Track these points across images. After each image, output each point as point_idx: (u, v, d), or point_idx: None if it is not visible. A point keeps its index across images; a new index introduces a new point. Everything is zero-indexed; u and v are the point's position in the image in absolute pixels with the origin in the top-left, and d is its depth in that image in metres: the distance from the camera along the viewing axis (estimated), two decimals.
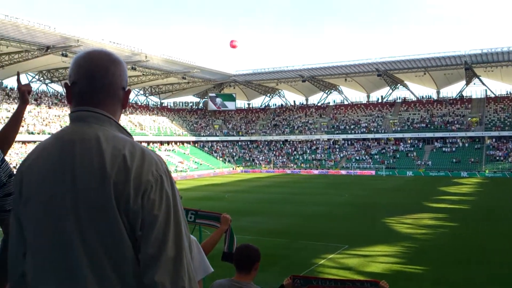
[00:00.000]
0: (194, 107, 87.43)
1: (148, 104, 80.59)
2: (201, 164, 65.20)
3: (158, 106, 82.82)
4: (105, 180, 1.29)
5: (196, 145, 74.88)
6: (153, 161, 1.35)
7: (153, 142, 65.48)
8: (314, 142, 72.99)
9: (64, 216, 1.32)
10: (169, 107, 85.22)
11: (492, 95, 69.83)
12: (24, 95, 2.52)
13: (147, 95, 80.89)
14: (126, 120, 64.46)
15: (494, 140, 62.00)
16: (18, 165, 1.49)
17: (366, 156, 65.87)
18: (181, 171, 58.20)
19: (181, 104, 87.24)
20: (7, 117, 50.13)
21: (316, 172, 64.17)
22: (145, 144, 61.60)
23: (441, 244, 18.60)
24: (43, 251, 1.35)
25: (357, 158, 65.97)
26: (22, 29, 43.03)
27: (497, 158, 58.46)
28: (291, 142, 74.82)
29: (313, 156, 69.65)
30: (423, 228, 22.03)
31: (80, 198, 1.31)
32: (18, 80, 2.64)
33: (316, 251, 17.29)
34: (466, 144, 63.03)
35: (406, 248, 17.98)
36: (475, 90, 71.32)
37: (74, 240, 1.30)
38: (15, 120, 2.53)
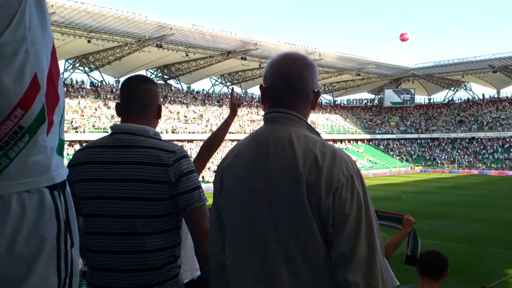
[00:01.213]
0: (368, 104, 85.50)
1: (321, 102, 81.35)
2: (376, 163, 63.46)
3: (331, 104, 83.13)
4: (298, 178, 1.32)
5: (371, 143, 73.05)
6: (344, 160, 1.36)
7: (326, 140, 64.98)
8: (507, 139, 64.66)
9: (259, 213, 1.37)
10: (342, 104, 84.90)
11: None
12: (234, 107, 2.87)
13: (320, 92, 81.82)
14: None
15: None
16: (218, 164, 1.58)
17: None
18: None
19: (354, 101, 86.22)
20: (194, 118, 56.04)
21: (510, 173, 56.87)
22: None
23: None
24: (240, 244, 1.42)
25: None
26: (207, 36, 47.26)
27: None
28: (479, 139, 67.66)
29: (505, 155, 61.84)
30: None
31: (274, 196, 1.36)
32: (232, 94, 2.99)
33: (509, 261, 15.31)
34: None
35: None
36: None
37: (269, 236, 1.35)
38: (223, 129, 2.86)
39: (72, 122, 43.58)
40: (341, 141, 68.42)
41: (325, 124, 70.50)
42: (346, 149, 65.71)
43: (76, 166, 1.76)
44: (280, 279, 1.31)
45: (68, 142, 39.58)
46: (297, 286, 1.31)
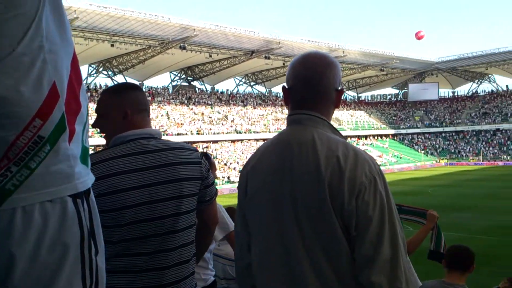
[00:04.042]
0: (392, 99, 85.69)
1: (346, 99, 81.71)
2: (401, 158, 63.87)
3: (355, 100, 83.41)
4: (320, 181, 1.32)
5: (395, 138, 73.37)
6: (366, 162, 1.36)
7: (351, 136, 65.94)
8: None
9: (283, 216, 1.39)
10: (366, 100, 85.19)
11: None
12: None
13: (344, 90, 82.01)
14: None
15: None
16: (243, 166, 1.63)
17: None
18: (380, 165, 56.63)
19: (378, 97, 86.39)
20: (218, 119, 56.45)
21: None
22: None
23: None
24: (266, 246, 1.44)
25: None
26: (230, 36, 47.28)
27: None
28: (503, 131, 67.46)
29: None
30: None
31: (298, 198, 1.37)
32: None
33: None
34: None
35: None
36: None
37: (294, 238, 1.36)
38: None
39: None
40: (366, 137, 69.10)
41: (350, 120, 71.01)
42: (371, 144, 66.34)
43: (107, 178, 1.66)
44: (305, 281, 1.33)
45: (92, 147, 41.12)
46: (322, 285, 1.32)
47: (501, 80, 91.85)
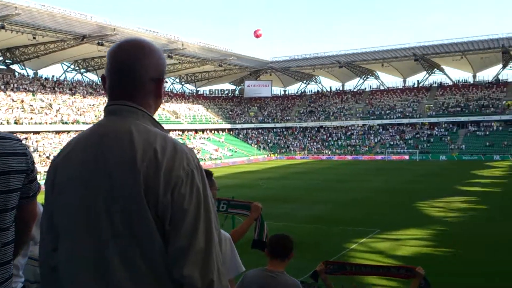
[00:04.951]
0: (229, 94, 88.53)
1: (184, 92, 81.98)
2: (235, 152, 66.14)
3: (194, 94, 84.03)
4: (135, 173, 1.29)
5: (231, 132, 75.95)
6: (185, 155, 1.34)
7: (188, 130, 66.41)
8: (349, 128, 72.89)
9: (95, 209, 1.32)
10: (204, 95, 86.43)
11: None
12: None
13: (182, 83, 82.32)
14: (160, 108, 64.54)
15: None
16: (53, 158, 1.50)
17: (401, 141, 65.44)
18: (215, 159, 59.01)
19: (216, 91, 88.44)
20: (41, 107, 51.10)
21: (350, 158, 64.30)
22: (179, 133, 64.19)
23: (472, 227, 18.94)
24: (75, 243, 1.35)
25: (391, 143, 65.61)
26: (58, 18, 43.65)
27: None
28: (326, 128, 74.93)
29: (347, 142, 69.68)
30: (454, 212, 22.37)
31: (112, 191, 1.31)
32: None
33: (349, 236, 17.81)
34: (500, 128, 61.82)
35: (437, 231, 18.39)
36: (511, 74, 69.17)
37: (105, 233, 1.30)
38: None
39: None
40: (203, 131, 70.01)
41: (188, 114, 71.17)
42: (208, 138, 67.51)
43: None
44: (116, 277, 1.28)
45: None
46: (134, 283, 1.28)
47: (325, 82, 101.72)
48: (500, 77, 69.99)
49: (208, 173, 1.99)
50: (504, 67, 67.68)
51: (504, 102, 64.81)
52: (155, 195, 1.28)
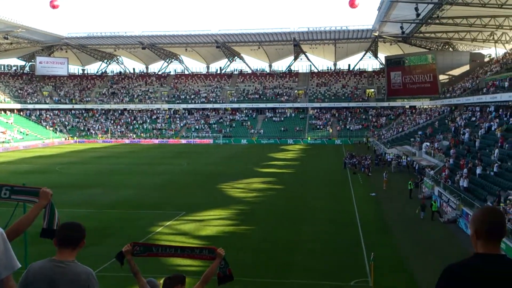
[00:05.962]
0: (18, 71, 78.61)
1: None
2: (27, 135, 59.78)
3: None
4: None
5: (22, 113, 68.18)
6: None
7: None
8: (155, 111, 72.21)
9: None
10: None
11: (316, 70, 77.17)
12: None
13: None
14: None
15: (316, 110, 69.09)
16: None
17: (205, 126, 67.68)
18: (3, 142, 52.67)
19: (2, 67, 77.60)
20: None
21: (156, 141, 63.87)
22: None
23: (269, 206, 20.60)
24: None
25: (197, 127, 67.37)
26: None
27: (318, 127, 65.59)
28: (130, 111, 72.77)
29: (153, 125, 68.98)
30: (254, 192, 24.06)
31: None
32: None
33: (154, 219, 17.75)
34: (293, 114, 69.24)
35: (238, 210, 19.55)
36: (301, 65, 77.59)
37: None
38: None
39: None
40: None
41: None
42: None
43: None
44: None
45: None
46: None
47: (128, 63, 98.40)
48: (293, 68, 78.02)
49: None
50: (295, 59, 75.40)
51: (296, 91, 72.49)
52: None
